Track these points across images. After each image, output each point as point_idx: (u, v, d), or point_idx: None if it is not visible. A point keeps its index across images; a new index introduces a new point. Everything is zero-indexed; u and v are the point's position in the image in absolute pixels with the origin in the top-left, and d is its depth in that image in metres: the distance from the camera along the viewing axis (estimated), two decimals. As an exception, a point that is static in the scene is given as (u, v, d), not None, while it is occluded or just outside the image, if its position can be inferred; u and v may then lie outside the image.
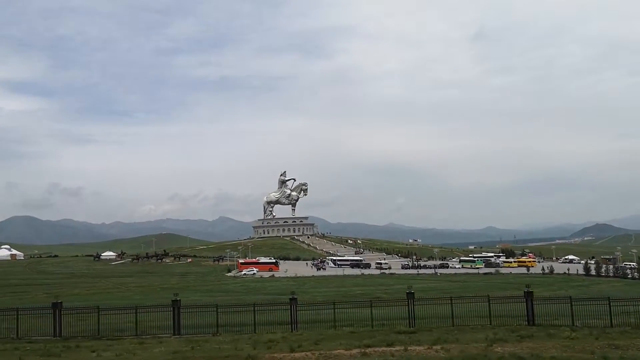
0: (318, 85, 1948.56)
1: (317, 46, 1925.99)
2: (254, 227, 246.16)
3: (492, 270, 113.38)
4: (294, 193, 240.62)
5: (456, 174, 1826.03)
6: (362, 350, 23.19)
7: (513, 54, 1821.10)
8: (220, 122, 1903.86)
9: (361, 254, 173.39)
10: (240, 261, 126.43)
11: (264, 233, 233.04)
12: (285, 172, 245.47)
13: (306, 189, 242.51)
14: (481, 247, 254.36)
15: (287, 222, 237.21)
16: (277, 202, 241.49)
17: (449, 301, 32.10)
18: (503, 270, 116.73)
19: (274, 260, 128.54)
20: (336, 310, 32.12)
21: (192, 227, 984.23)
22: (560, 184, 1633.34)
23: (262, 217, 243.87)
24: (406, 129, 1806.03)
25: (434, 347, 23.47)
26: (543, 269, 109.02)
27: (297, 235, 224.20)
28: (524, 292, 31.14)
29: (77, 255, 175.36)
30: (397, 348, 23.52)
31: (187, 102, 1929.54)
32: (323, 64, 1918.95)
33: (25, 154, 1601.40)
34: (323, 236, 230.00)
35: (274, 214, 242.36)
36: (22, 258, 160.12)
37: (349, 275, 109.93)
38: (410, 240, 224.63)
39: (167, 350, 24.91)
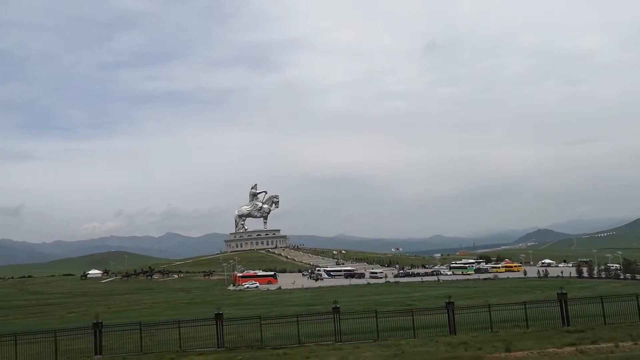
0: (268, 98, 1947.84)
1: (266, 59, 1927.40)
2: (226, 241, 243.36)
3: (490, 275, 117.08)
4: (265, 206, 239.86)
5: (404, 183, 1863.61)
6: (577, 347, 24.51)
7: (458, 65, 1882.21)
8: (168, 136, 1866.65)
9: (342, 264, 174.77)
10: (238, 274, 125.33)
11: (237, 247, 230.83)
12: (256, 184, 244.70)
13: (277, 202, 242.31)
14: (448, 255, 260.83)
15: (260, 235, 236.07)
16: (249, 215, 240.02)
17: (522, 306, 32.91)
18: (493, 275, 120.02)
19: (272, 273, 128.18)
20: (378, 319, 31.76)
21: (138, 244, 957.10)
22: (502, 191, 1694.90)
23: (234, 231, 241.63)
24: (355, 140, 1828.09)
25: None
26: (539, 272, 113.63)
27: (271, 248, 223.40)
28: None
29: (53, 275, 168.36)
30: (605, 345, 24.97)
31: (134, 117, 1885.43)
32: (272, 77, 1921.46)
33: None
34: (298, 248, 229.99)
35: (246, 227, 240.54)
36: (1, 279, 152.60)
37: (357, 284, 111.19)
38: (392, 250, 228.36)
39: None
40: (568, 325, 31.14)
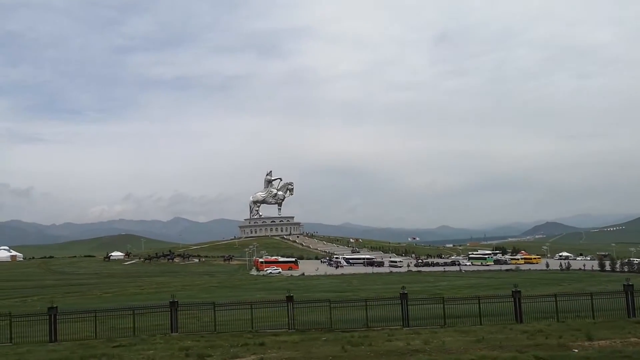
0: (274, 86, 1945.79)
1: (274, 47, 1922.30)
2: (240, 227, 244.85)
3: (512, 267, 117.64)
4: (280, 192, 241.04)
5: (410, 174, 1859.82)
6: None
7: (466, 56, 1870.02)
8: (175, 121, 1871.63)
9: (357, 252, 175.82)
10: (260, 260, 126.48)
11: (252, 233, 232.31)
12: (271, 171, 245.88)
13: (292, 189, 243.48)
14: (460, 245, 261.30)
15: (274, 221, 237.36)
16: (264, 201, 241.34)
17: (589, 297, 33.14)
18: (514, 267, 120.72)
19: (293, 259, 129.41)
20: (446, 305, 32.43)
21: (146, 228, 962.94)
22: (509, 184, 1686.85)
23: (249, 217, 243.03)
24: (361, 130, 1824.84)
25: None
26: (561, 265, 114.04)
27: (285, 235, 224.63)
28: None
29: (75, 256, 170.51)
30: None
31: (141, 101, 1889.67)
32: (279, 65, 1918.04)
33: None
34: (312, 236, 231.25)
35: (261, 214, 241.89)
36: (22, 259, 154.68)
37: (379, 272, 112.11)
38: (409, 239, 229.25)
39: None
40: (634, 316, 31.68)
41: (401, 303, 32.40)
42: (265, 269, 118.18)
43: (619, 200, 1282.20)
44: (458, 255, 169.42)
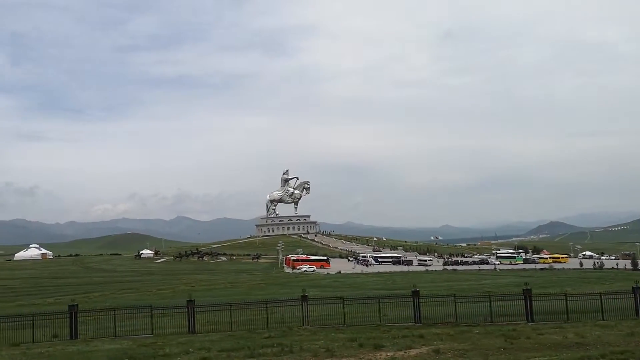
0: (278, 84, 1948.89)
1: (279, 44, 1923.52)
2: (257, 226, 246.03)
3: (545, 265, 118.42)
4: (296, 191, 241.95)
5: (413, 172, 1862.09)
6: None
7: (470, 54, 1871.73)
8: (178, 120, 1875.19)
9: (379, 251, 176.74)
10: (292, 258, 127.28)
11: (268, 231, 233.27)
12: (287, 170, 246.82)
13: (308, 187, 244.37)
14: (475, 245, 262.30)
15: (291, 220, 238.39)
16: (280, 200, 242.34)
17: None
18: (541, 266, 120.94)
19: (325, 258, 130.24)
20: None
21: (149, 227, 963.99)
22: (512, 183, 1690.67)
23: (265, 216, 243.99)
24: (364, 128, 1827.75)
25: None
26: (594, 264, 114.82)
27: (303, 234, 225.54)
28: None
29: (101, 255, 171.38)
30: None
31: (145, 100, 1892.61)
32: (283, 63, 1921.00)
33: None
34: (330, 234, 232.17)
35: (277, 213, 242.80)
36: (51, 257, 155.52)
37: (415, 271, 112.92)
38: (432, 238, 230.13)
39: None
40: None
41: (525, 298, 33.33)
42: (300, 266, 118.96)
43: (624, 199, 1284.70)
44: (481, 254, 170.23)
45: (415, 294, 33.48)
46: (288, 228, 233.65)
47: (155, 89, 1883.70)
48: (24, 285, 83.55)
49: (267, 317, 32.74)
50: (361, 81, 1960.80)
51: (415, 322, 32.78)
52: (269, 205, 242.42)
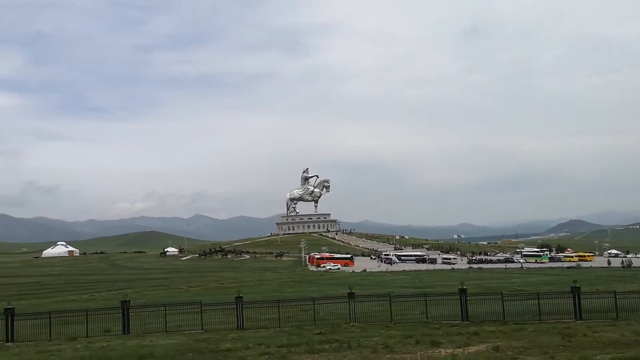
0: (296, 83, 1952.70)
1: (297, 43, 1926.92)
2: (277, 224, 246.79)
3: (573, 264, 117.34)
4: (316, 190, 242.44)
5: (430, 171, 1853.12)
6: None
7: (489, 52, 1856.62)
8: (197, 119, 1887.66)
9: (401, 249, 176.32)
10: (316, 256, 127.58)
11: (289, 229, 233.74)
12: (307, 169, 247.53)
13: (328, 186, 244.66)
14: (496, 242, 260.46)
15: (311, 218, 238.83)
16: (300, 198, 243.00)
17: None
18: (568, 264, 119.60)
19: (349, 256, 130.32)
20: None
21: (167, 225, 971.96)
22: (531, 181, 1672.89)
23: (285, 214, 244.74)
24: (382, 126, 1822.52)
25: None
26: (622, 262, 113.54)
27: (323, 232, 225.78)
28: None
29: (125, 252, 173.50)
30: None
31: (165, 99, 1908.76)
32: (302, 62, 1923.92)
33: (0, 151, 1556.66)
34: (350, 232, 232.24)
35: (297, 211, 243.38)
36: (78, 254, 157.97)
37: (441, 269, 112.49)
38: (455, 236, 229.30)
39: None
40: None
41: (573, 297, 33.14)
42: (324, 264, 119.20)
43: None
44: (504, 252, 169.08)
45: (463, 291, 33.46)
46: (308, 226, 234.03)
47: (176, 89, 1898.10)
48: (57, 282, 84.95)
49: (315, 314, 33.02)
50: (379, 79, 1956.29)
51: (462, 320, 32.83)
52: (289, 203, 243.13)
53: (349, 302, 33.47)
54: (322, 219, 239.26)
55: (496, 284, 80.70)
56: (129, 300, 33.07)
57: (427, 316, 33.00)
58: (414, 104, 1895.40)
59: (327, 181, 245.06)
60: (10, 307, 31.60)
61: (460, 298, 33.43)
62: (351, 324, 32.35)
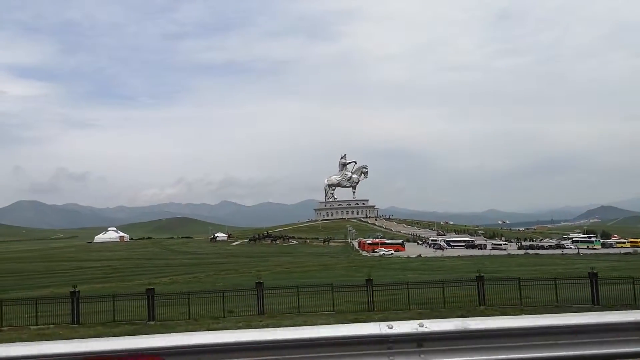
0: (322, 69, 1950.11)
1: (322, 29, 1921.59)
2: (315, 210, 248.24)
3: (630, 250, 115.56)
4: (354, 175, 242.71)
5: (457, 157, 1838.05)
6: None
7: (520, 36, 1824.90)
8: (225, 105, 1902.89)
9: (443, 235, 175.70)
10: (368, 241, 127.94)
11: (327, 215, 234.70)
12: (345, 155, 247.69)
13: (366, 172, 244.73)
14: (533, 229, 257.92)
15: (349, 204, 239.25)
16: (338, 184, 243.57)
17: None
18: (632, 250, 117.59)
19: (400, 241, 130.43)
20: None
21: (194, 211, 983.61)
22: (561, 167, 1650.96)
23: (324, 200, 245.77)
24: (408, 112, 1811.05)
25: None
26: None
27: (362, 218, 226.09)
28: None
29: (172, 238, 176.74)
30: None
31: (192, 86, 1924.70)
32: (327, 47, 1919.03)
33: (31, 138, 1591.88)
34: (389, 218, 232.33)
35: (335, 197, 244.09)
36: (128, 240, 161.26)
37: (496, 255, 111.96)
38: (499, 222, 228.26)
39: None
40: None
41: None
42: (378, 249, 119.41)
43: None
44: (550, 238, 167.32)
45: (594, 275, 33.48)
46: (346, 212, 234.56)
47: (203, 76, 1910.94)
48: (126, 266, 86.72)
49: (444, 297, 33.33)
50: (406, 65, 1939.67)
51: (593, 304, 32.84)
52: (327, 189, 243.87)
53: (477, 285, 33.75)
54: (360, 204, 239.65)
55: (563, 270, 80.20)
56: (263, 282, 33.81)
57: (557, 300, 33.12)
58: (442, 89, 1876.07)
59: (365, 167, 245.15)
60: (151, 287, 32.62)
61: (591, 282, 33.43)
62: (480, 307, 32.66)
